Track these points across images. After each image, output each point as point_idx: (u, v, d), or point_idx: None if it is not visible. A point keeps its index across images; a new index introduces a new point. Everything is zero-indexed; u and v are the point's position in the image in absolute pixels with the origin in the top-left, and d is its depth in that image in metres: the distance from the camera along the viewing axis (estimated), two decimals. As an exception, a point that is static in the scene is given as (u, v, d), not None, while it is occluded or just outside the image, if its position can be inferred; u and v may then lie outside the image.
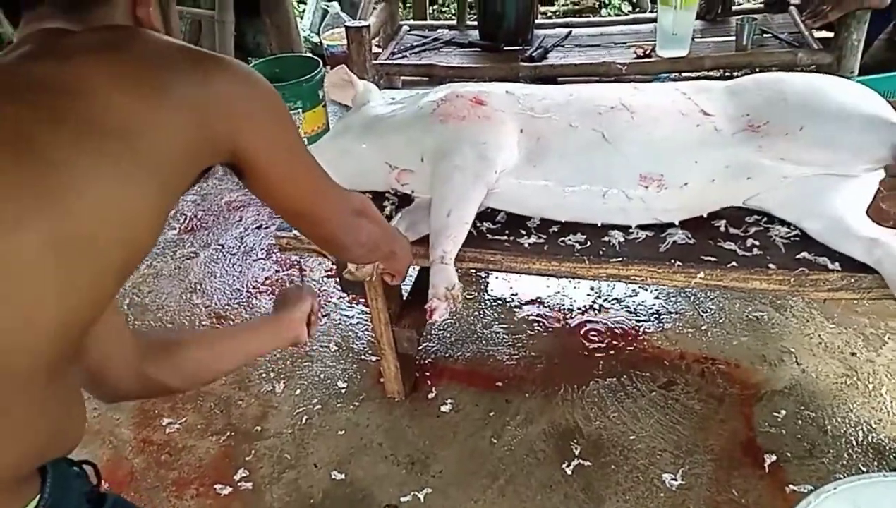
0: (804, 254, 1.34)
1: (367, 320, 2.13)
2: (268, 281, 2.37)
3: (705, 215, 1.46)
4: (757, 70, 2.75)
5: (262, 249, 2.54)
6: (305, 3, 4.63)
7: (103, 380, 0.88)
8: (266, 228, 2.63)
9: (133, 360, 0.89)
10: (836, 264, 1.31)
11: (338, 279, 2.30)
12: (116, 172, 0.65)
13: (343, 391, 1.93)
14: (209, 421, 1.89)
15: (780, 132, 1.38)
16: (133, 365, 0.89)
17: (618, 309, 2.12)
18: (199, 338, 1.03)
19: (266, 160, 0.79)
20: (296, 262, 1.99)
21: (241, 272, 2.44)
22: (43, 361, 0.65)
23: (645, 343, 1.99)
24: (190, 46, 0.74)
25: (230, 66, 0.74)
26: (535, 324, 2.10)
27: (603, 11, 4.49)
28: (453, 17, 3.69)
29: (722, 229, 1.44)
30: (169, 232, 2.68)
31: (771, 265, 1.33)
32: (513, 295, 2.22)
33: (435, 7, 4.72)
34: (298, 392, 1.94)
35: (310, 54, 3.50)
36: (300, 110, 2.77)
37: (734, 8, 3.08)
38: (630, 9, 4.46)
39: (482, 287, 2.27)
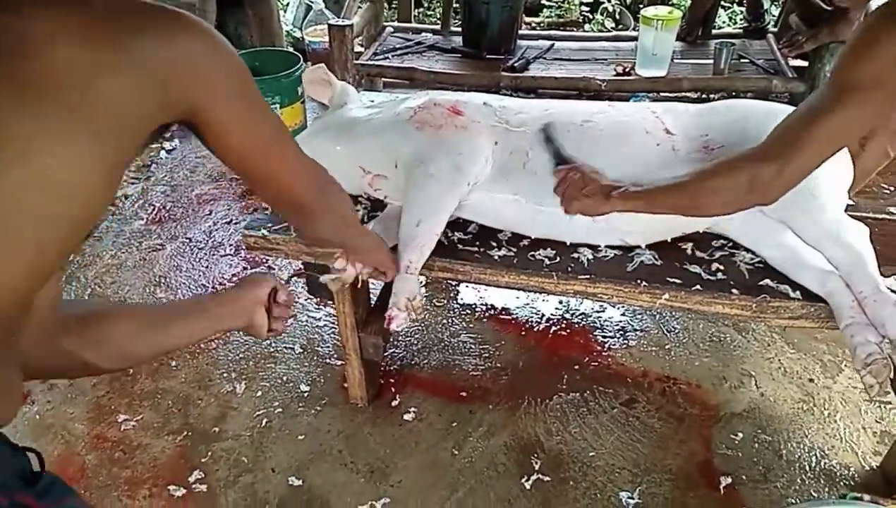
0: (767, 281, 1.36)
1: (333, 323, 2.11)
2: (235, 278, 2.34)
3: (669, 240, 1.47)
4: (733, 94, 2.81)
5: (230, 245, 2.50)
6: (290, -3, 4.58)
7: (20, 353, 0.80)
8: (236, 223, 2.60)
9: (48, 331, 0.82)
10: (797, 293, 1.34)
11: (306, 280, 2.27)
12: (62, 134, 0.63)
13: (305, 394, 1.90)
14: (166, 419, 1.85)
15: None
16: (47, 337, 0.82)
17: (584, 324, 2.13)
18: (129, 313, 0.93)
19: (223, 118, 0.77)
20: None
21: (207, 267, 2.40)
22: None
23: (609, 359, 2.00)
24: (152, 3, 0.72)
25: (193, 24, 0.72)
26: (503, 335, 2.10)
27: (586, 26, 4.52)
28: (438, 21, 3.69)
29: (688, 252, 1.45)
30: (136, 222, 2.63)
31: (734, 290, 1.35)
32: (482, 304, 2.22)
33: (420, 10, 4.71)
34: (260, 393, 1.91)
35: (291, 49, 3.47)
36: (278, 105, 2.74)
37: (714, 32, 3.13)
38: (613, 25, 4.51)
39: (452, 295, 2.26)
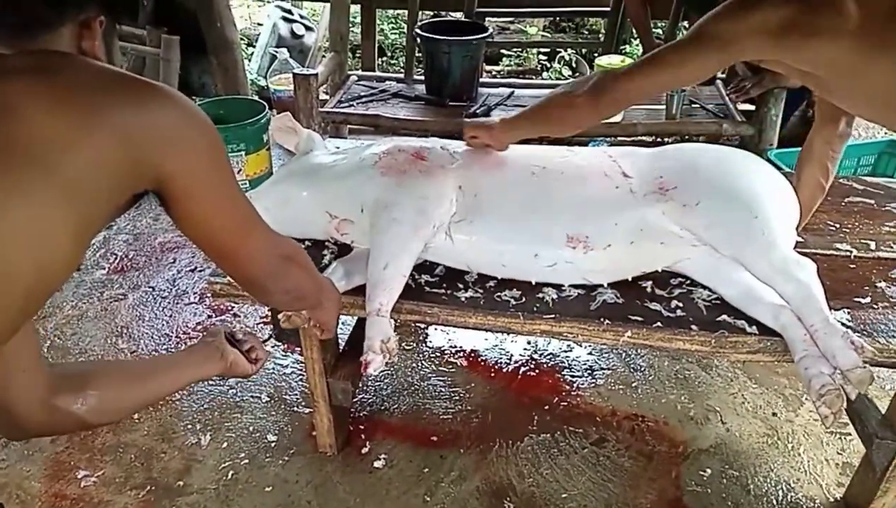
0: (724, 316, 1.41)
1: (301, 370, 2.09)
2: (199, 327, 2.30)
3: (630, 279, 1.51)
4: (686, 137, 2.94)
5: (194, 293, 2.47)
6: (254, 47, 4.65)
7: (10, 414, 0.84)
8: (200, 271, 2.57)
9: (42, 391, 0.85)
10: (754, 327, 1.38)
11: (273, 327, 2.25)
12: (31, 195, 0.64)
13: (273, 444, 1.86)
14: (129, 474, 1.78)
15: (681, 201, 1.45)
16: (42, 396, 0.85)
17: (553, 365, 2.15)
18: (116, 369, 0.99)
19: (191, 190, 0.79)
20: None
21: (171, 316, 2.36)
22: None
23: (578, 398, 2.02)
24: (127, 73, 0.74)
25: (165, 93, 0.75)
26: (472, 378, 2.10)
27: (544, 74, 4.68)
28: (401, 70, 3.78)
29: (648, 290, 1.49)
30: (97, 271, 2.58)
31: (693, 326, 1.39)
32: (451, 347, 2.22)
33: (384, 59, 4.82)
34: (225, 445, 1.86)
35: (256, 97, 3.50)
36: (243, 153, 2.75)
37: (666, 79, 3.27)
38: (570, 73, 4.68)
39: (421, 338, 2.26)
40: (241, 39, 4.10)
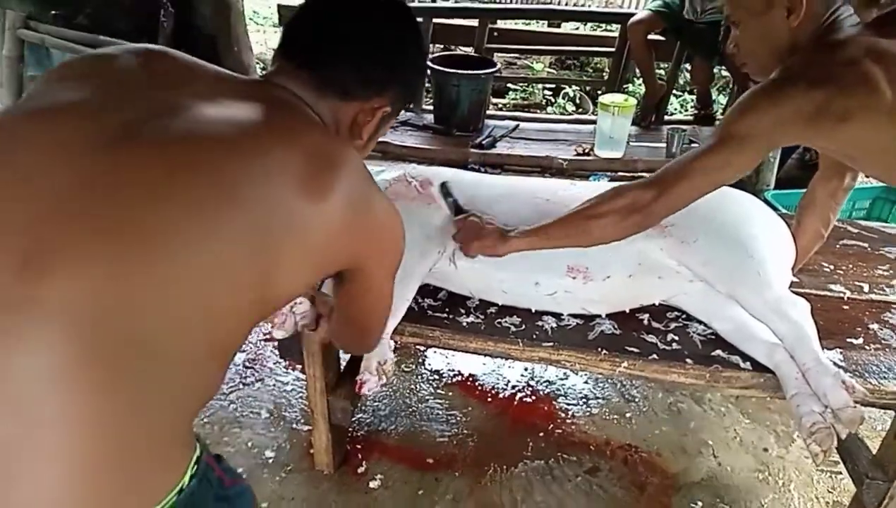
0: (718, 351, 1.45)
1: (302, 387, 2.12)
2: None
3: (627, 311, 1.55)
4: (686, 176, 3.00)
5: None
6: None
7: None
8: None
9: None
10: (748, 363, 1.42)
11: (275, 344, 2.28)
12: (235, 260, 0.70)
13: (270, 461, 1.88)
14: (125, 485, 1.80)
15: (679, 237, 1.50)
16: None
17: (549, 392, 2.18)
18: None
19: (367, 281, 0.92)
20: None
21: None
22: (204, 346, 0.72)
23: (573, 426, 2.04)
24: (374, 186, 0.83)
25: (387, 213, 0.86)
26: (470, 401, 2.12)
27: (549, 109, 4.78)
28: (410, 100, 3.86)
29: (645, 322, 1.54)
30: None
31: (688, 360, 1.43)
32: (450, 370, 2.25)
33: (393, 87, 4.91)
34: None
35: (267, 120, 3.57)
36: (252, 174, 2.81)
37: (666, 118, 3.37)
38: (573, 108, 4.78)
39: (420, 360, 2.29)
40: (257, 64, 4.19)
